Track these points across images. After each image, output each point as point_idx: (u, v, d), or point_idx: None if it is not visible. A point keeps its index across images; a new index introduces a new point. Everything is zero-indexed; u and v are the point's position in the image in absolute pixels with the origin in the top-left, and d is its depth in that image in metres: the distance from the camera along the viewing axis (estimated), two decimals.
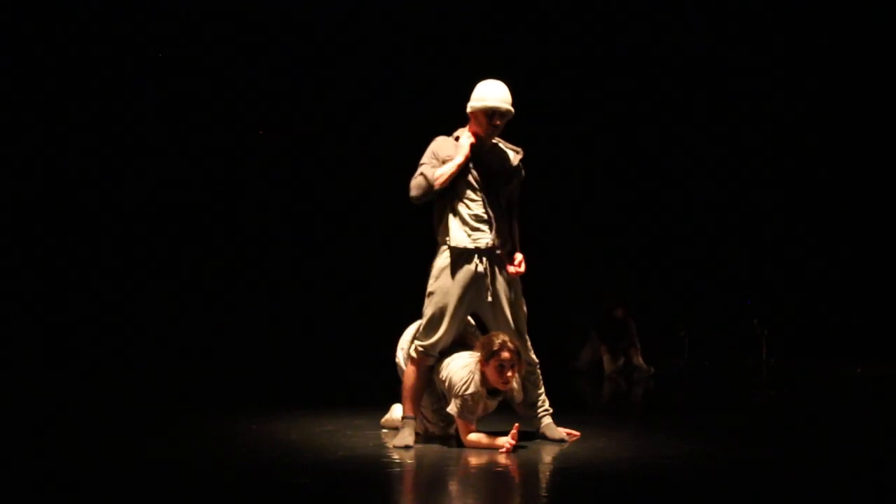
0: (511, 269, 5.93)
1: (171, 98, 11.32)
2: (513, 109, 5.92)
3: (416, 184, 5.88)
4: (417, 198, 5.90)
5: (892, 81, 12.05)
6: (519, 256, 5.98)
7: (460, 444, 5.86)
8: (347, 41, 11.60)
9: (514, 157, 6.05)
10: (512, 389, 5.82)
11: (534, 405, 6.11)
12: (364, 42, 11.56)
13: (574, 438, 6.06)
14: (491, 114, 5.86)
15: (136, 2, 11.03)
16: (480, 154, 5.94)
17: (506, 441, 5.65)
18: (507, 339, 5.73)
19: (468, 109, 5.94)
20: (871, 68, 12.03)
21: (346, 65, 11.68)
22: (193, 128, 11.44)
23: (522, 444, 5.82)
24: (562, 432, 6.06)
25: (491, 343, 5.73)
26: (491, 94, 5.89)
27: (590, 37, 11.91)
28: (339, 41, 11.61)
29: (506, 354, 5.67)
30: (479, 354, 5.79)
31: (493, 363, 5.70)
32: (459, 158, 5.87)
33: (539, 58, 11.71)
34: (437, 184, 5.84)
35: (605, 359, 10.37)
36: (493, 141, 6.00)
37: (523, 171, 6.07)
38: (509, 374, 5.70)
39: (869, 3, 11.83)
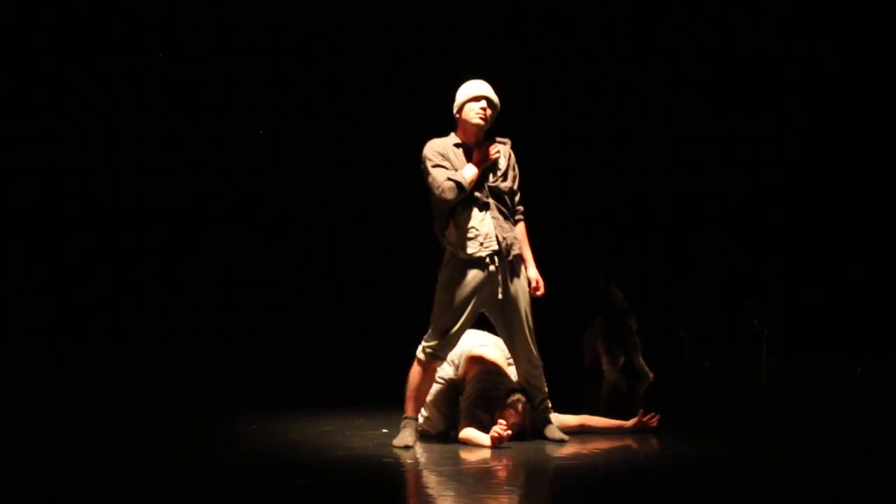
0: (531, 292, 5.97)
1: (171, 98, 11.33)
2: (497, 99, 5.91)
3: (449, 186, 5.76)
4: (455, 199, 5.79)
5: (890, 82, 12.04)
6: (534, 276, 5.96)
7: (460, 442, 5.87)
8: (354, 38, 11.61)
9: (505, 149, 6.02)
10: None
11: (535, 406, 6.11)
12: (374, 39, 11.56)
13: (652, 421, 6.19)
14: (476, 99, 5.86)
15: (136, 2, 11.06)
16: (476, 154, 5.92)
17: (494, 431, 5.69)
18: (522, 398, 5.90)
19: (455, 108, 5.93)
20: (871, 68, 12.02)
21: (350, 64, 11.70)
22: (195, 127, 11.46)
23: (510, 444, 5.82)
24: (563, 433, 6.07)
25: (507, 396, 5.92)
26: (472, 85, 5.92)
27: (592, 33, 11.93)
28: (345, 38, 11.62)
29: (511, 412, 5.87)
30: (499, 359, 6.05)
31: (501, 410, 5.89)
32: (474, 170, 5.83)
33: (541, 53, 11.74)
34: (468, 184, 5.80)
35: (604, 360, 10.31)
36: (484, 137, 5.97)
37: (514, 159, 6.04)
38: (513, 421, 5.85)
39: (871, 6, 11.82)
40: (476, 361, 6.11)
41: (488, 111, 5.88)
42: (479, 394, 5.97)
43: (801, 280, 12.31)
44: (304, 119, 11.78)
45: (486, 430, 5.84)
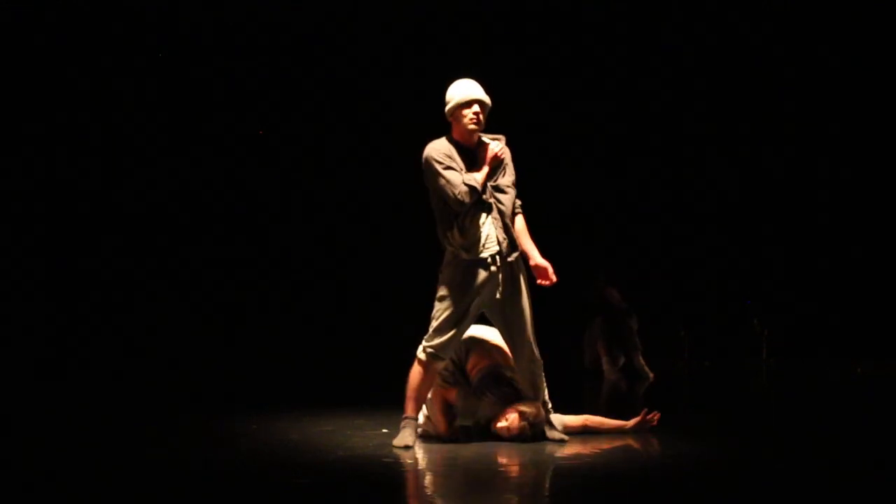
0: (541, 282, 5.93)
1: (171, 98, 11.34)
2: (488, 98, 5.90)
3: (466, 190, 5.76)
4: (471, 202, 5.79)
5: (890, 82, 12.04)
6: (543, 263, 5.93)
7: (459, 442, 5.88)
8: (354, 38, 11.61)
9: (502, 145, 6.00)
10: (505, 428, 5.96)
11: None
12: (374, 39, 11.56)
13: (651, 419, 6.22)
14: (468, 104, 5.84)
15: (136, 2, 11.07)
16: (474, 155, 5.92)
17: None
18: (534, 410, 5.89)
19: (447, 113, 5.91)
20: (871, 68, 12.01)
21: (350, 64, 11.70)
22: (195, 127, 11.46)
23: (503, 442, 5.84)
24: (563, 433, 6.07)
25: (522, 401, 5.94)
26: (461, 87, 5.90)
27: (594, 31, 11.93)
28: (345, 38, 11.62)
29: (513, 416, 5.86)
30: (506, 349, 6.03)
31: (510, 407, 5.90)
32: (484, 171, 5.85)
33: (543, 50, 11.74)
34: (481, 187, 5.81)
35: (604, 360, 10.31)
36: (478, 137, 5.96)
37: (510, 155, 6.01)
38: (515, 424, 5.87)
39: (871, 6, 11.81)
40: (483, 355, 6.08)
41: (481, 115, 5.88)
42: (488, 371, 5.93)
43: (800, 280, 12.30)
44: (304, 119, 11.78)
45: (482, 415, 5.92)
